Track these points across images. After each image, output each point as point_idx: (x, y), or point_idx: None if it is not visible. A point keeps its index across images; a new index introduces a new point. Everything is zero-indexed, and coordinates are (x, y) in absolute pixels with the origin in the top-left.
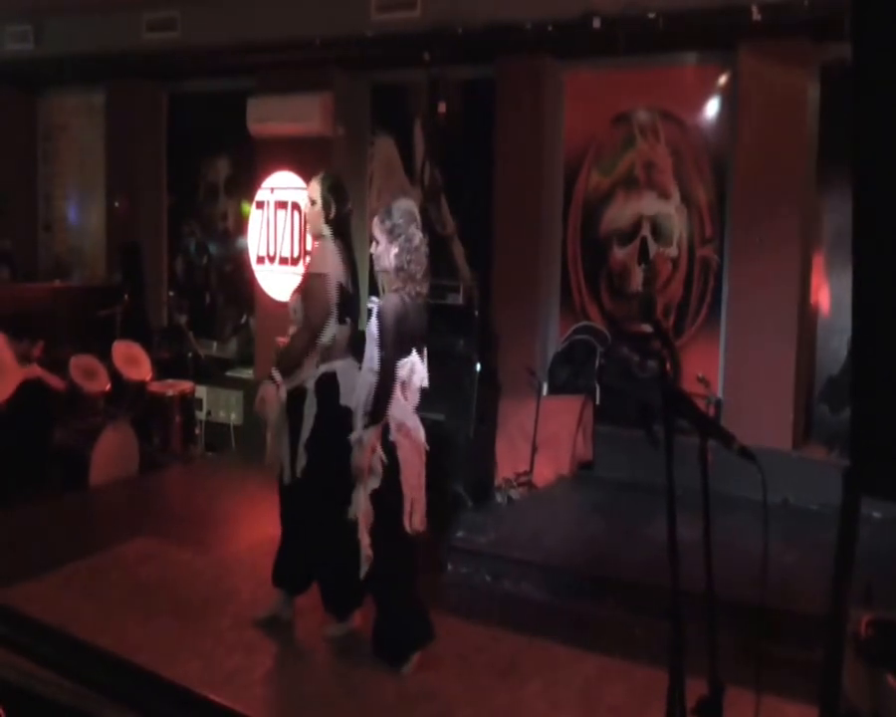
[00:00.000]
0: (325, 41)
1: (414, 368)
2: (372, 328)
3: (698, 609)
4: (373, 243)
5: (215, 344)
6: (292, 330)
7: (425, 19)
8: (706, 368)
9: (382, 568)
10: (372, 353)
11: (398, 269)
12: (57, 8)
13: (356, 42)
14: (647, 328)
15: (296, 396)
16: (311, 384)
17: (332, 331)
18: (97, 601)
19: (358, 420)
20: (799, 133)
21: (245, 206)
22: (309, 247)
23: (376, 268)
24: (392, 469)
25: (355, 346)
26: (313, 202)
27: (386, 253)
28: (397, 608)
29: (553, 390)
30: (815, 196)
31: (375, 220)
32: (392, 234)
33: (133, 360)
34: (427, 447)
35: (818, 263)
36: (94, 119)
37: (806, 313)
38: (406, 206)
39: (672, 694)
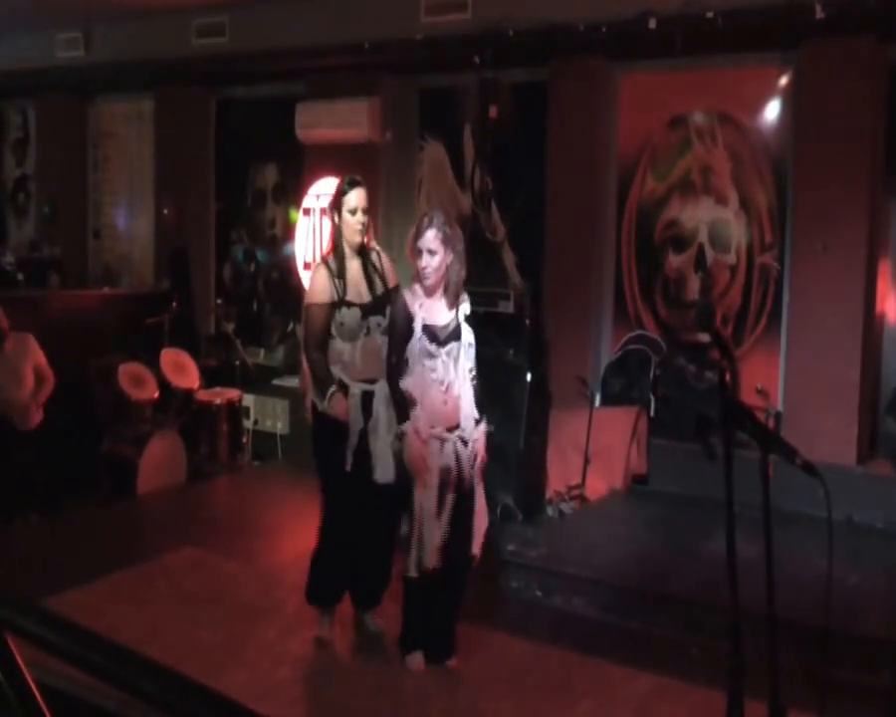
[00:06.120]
0: (373, 45)
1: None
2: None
3: (758, 630)
4: (426, 254)
5: (262, 351)
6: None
7: (476, 21)
8: (765, 380)
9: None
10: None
11: (459, 281)
12: (106, 15)
13: (406, 45)
14: (704, 337)
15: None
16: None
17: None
18: (144, 610)
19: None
20: (865, 136)
21: (293, 213)
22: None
23: (428, 281)
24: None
25: None
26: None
27: (444, 264)
28: (410, 607)
29: (605, 401)
30: (882, 201)
31: (431, 232)
32: (449, 244)
33: (181, 368)
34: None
35: (885, 270)
36: (143, 125)
37: (872, 322)
38: (444, 213)
39: None
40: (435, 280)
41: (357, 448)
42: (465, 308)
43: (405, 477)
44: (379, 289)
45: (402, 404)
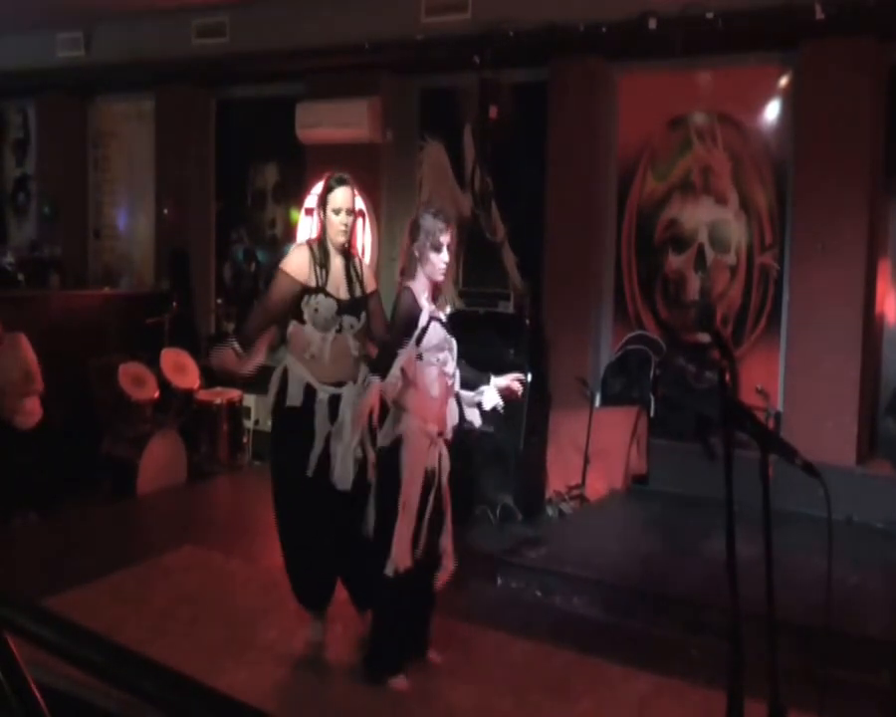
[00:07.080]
0: (373, 45)
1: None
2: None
3: (757, 630)
4: (444, 250)
5: None
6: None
7: (476, 21)
8: (765, 380)
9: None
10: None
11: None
12: (106, 15)
13: (406, 45)
14: (704, 337)
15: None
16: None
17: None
18: (144, 610)
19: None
20: (865, 136)
21: (293, 213)
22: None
23: (443, 278)
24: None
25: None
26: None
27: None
28: (383, 625)
29: (605, 401)
30: (881, 201)
31: (446, 230)
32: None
33: (182, 368)
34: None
35: (884, 270)
36: (143, 125)
37: (871, 322)
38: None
39: None
40: (445, 278)
41: (321, 452)
42: (446, 311)
43: (366, 484)
44: (357, 292)
45: (386, 362)
